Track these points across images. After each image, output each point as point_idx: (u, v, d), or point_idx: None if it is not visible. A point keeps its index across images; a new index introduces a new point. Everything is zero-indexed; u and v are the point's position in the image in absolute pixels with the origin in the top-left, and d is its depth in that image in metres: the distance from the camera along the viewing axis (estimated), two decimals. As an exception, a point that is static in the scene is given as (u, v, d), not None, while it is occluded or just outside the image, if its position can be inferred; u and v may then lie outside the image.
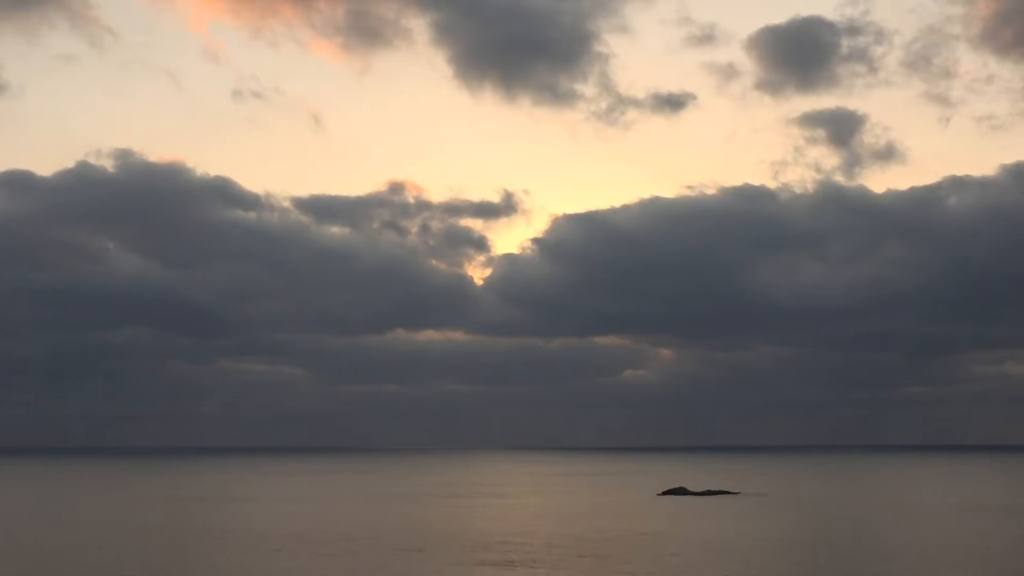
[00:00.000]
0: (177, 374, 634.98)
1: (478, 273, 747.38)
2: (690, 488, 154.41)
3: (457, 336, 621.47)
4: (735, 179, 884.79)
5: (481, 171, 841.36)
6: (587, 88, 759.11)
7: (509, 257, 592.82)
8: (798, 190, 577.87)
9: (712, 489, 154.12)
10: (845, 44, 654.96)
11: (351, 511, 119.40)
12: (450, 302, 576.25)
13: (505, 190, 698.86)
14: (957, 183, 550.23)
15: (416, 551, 76.26)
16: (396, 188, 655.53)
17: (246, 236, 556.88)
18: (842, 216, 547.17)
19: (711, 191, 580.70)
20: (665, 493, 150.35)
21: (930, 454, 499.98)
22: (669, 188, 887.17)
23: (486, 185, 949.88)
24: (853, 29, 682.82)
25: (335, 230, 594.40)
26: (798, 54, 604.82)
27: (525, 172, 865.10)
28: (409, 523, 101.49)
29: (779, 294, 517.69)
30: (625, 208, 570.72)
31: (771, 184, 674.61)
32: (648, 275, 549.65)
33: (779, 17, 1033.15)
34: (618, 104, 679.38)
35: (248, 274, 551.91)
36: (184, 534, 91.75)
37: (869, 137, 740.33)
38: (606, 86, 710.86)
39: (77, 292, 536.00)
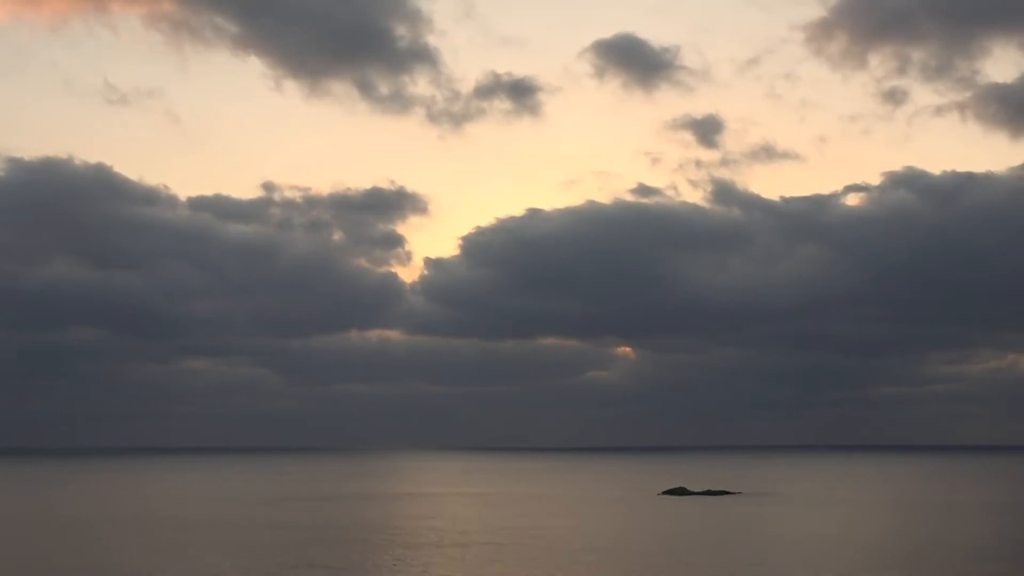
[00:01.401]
0: (136, 375, 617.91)
1: (403, 273, 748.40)
2: (690, 488, 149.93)
3: (411, 337, 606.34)
4: (616, 180, 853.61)
5: (356, 166, 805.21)
6: (419, 85, 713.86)
7: (433, 260, 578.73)
8: (691, 193, 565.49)
9: (712, 489, 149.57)
10: (680, 52, 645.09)
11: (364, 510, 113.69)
12: (386, 303, 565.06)
13: (391, 181, 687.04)
14: (851, 187, 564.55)
15: (427, 544, 70.95)
16: (270, 186, 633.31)
17: (162, 235, 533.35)
18: (748, 217, 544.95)
19: (601, 195, 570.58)
20: (666, 493, 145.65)
21: (911, 454, 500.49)
22: (544, 186, 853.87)
23: (366, 180, 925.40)
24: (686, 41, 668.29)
25: (244, 228, 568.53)
26: (634, 63, 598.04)
27: (396, 167, 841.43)
28: (409, 520, 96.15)
29: (708, 295, 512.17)
30: (532, 214, 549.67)
31: (656, 184, 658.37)
32: (577, 279, 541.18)
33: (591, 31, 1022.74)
34: (456, 100, 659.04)
35: (177, 273, 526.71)
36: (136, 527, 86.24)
37: (737, 139, 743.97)
38: (439, 82, 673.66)
39: (13, 293, 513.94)
